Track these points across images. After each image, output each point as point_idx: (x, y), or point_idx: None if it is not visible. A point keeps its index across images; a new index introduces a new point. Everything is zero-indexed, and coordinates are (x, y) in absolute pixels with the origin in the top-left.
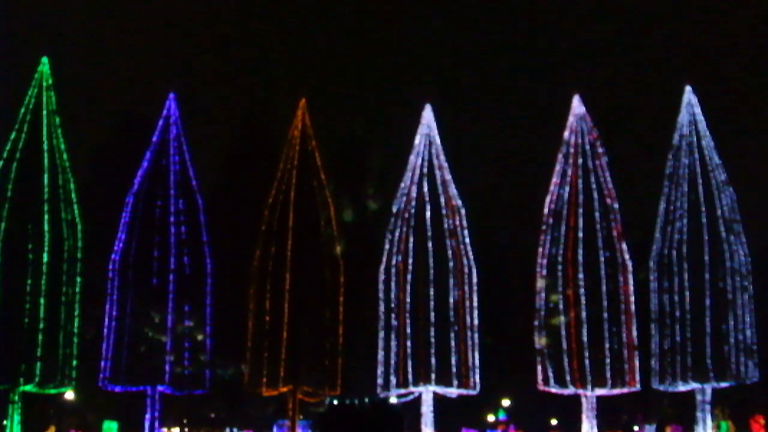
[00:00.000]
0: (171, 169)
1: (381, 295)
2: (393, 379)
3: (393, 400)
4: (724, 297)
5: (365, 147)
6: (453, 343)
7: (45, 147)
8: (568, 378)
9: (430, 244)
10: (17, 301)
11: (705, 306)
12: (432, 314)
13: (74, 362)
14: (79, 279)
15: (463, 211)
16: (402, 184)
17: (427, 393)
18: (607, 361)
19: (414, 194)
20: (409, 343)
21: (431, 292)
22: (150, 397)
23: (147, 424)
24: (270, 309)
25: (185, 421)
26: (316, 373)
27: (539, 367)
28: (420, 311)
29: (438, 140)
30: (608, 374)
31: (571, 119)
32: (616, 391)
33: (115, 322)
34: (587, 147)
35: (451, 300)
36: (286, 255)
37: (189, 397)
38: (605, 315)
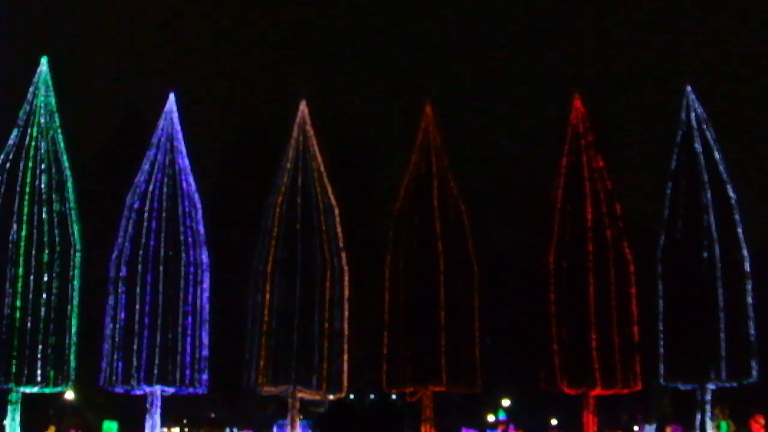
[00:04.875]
0: (171, 169)
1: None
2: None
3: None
4: (724, 296)
5: (368, 147)
6: (454, 342)
7: (45, 147)
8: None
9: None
10: (17, 301)
11: (705, 305)
12: (434, 313)
13: (73, 362)
14: (77, 280)
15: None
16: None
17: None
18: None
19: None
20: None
21: (432, 291)
22: (150, 397)
23: (147, 424)
24: (270, 309)
25: (185, 421)
26: (317, 373)
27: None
28: (422, 310)
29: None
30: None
31: (571, 119)
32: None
33: (113, 322)
34: (588, 147)
35: (453, 298)
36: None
37: (189, 397)
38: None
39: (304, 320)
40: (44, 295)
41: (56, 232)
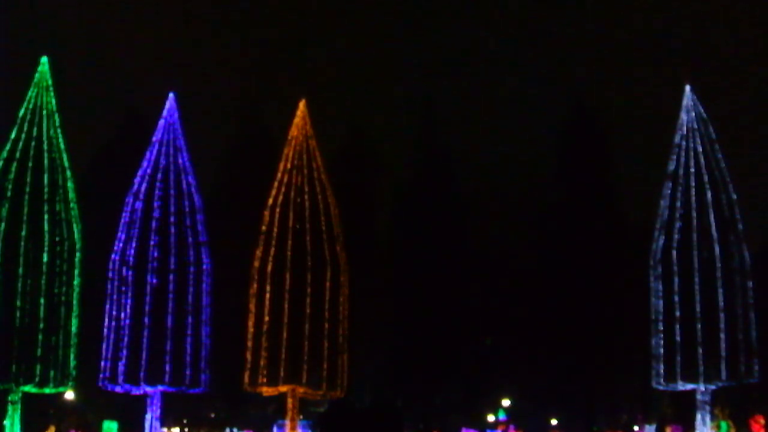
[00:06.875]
0: (171, 169)
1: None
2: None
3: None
4: (724, 296)
5: (368, 145)
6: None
7: (45, 147)
8: None
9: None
10: (17, 301)
11: (705, 306)
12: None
13: (73, 362)
14: (77, 280)
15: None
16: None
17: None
18: None
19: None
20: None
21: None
22: (150, 397)
23: (147, 424)
24: (270, 309)
25: (185, 421)
26: (316, 373)
27: None
28: (426, 310)
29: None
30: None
31: (572, 119)
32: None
33: (114, 322)
34: (588, 147)
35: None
36: (286, 255)
37: (189, 397)
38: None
39: (304, 320)
40: (44, 295)
41: (56, 232)
